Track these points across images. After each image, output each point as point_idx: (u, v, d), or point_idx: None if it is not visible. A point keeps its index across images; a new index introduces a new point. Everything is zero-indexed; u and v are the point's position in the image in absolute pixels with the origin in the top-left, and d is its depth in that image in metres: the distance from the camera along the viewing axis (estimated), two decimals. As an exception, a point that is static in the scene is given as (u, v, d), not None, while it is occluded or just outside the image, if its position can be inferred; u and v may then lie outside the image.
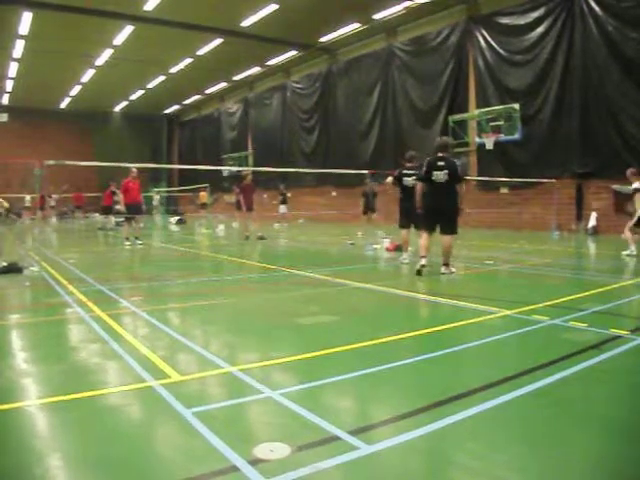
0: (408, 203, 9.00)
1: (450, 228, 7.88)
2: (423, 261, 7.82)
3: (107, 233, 18.81)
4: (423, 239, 7.97)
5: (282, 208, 22.82)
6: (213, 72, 30.03)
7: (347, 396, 3.18)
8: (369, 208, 15.01)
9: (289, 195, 23.63)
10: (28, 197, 29.02)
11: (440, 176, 7.78)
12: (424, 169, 7.99)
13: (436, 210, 7.88)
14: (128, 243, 13.33)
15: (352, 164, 21.97)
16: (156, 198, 34.28)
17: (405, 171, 9.15)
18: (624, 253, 10.05)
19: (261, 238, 14.74)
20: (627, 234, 10.20)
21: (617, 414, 2.87)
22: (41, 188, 25.22)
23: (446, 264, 7.88)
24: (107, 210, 20.45)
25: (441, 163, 7.84)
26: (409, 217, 9.12)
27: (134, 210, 13.62)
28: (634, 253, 9.86)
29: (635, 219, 10.05)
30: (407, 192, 9.02)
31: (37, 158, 9.67)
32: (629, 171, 10.59)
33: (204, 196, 27.23)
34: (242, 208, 14.87)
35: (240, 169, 29.60)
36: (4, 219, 24.19)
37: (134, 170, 13.54)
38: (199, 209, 28.51)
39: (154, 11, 20.37)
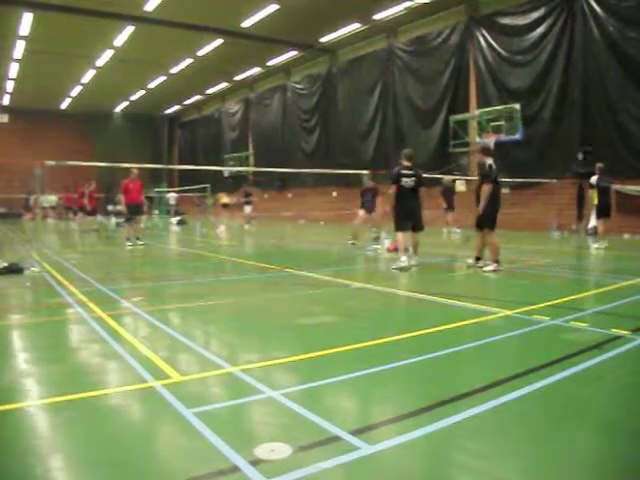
0: (408, 204, 8.76)
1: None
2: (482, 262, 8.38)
3: (102, 234, 18.82)
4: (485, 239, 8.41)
5: (247, 209, 22.95)
6: (214, 72, 30.03)
7: (348, 396, 3.18)
8: None
9: (264, 196, 23.78)
10: (53, 197, 28.82)
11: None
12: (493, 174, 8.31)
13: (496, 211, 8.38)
14: (129, 244, 13.33)
15: (353, 164, 21.97)
16: (173, 197, 34.09)
17: (404, 171, 8.77)
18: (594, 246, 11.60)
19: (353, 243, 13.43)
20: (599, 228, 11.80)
21: (618, 414, 2.87)
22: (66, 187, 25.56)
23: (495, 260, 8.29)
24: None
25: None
26: (410, 219, 8.88)
27: (134, 211, 13.61)
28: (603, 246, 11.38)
29: (595, 212, 11.76)
30: (406, 193, 8.73)
31: (38, 159, 9.65)
32: (598, 165, 11.84)
33: (223, 197, 26.90)
34: (370, 211, 13.64)
35: (240, 169, 29.64)
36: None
37: (134, 171, 13.53)
38: (221, 210, 28.29)
39: (154, 11, 20.37)
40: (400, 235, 8.87)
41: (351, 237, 13.55)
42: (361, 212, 13.62)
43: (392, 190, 8.85)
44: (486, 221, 8.29)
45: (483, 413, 2.77)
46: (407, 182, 8.72)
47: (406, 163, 8.88)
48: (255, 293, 6.95)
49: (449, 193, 17.04)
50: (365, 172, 14.65)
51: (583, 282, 7.93)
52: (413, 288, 6.83)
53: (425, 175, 9.11)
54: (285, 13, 20.38)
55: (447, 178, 17.33)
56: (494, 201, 8.28)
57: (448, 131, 20.25)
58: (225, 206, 26.33)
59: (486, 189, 8.18)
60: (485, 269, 8.20)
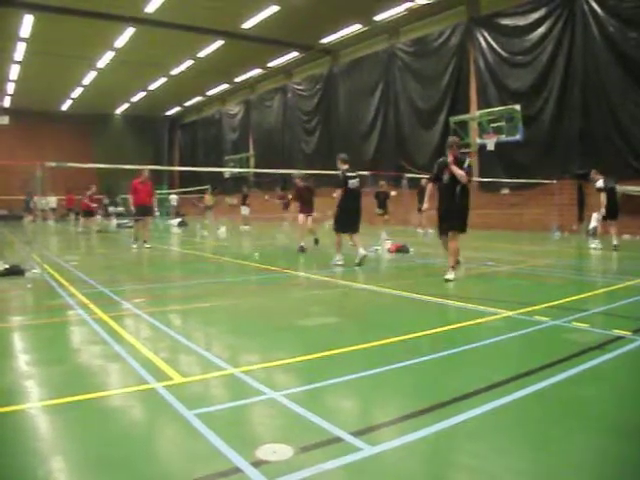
0: (355, 205, 9.05)
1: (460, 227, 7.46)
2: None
3: (102, 235, 18.85)
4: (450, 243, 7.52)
5: (243, 209, 22.96)
6: (214, 74, 30.06)
7: (350, 397, 3.18)
8: None
9: (265, 197, 23.87)
10: (52, 199, 28.70)
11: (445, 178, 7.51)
12: (434, 171, 7.71)
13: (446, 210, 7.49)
14: (135, 245, 13.26)
15: (353, 165, 21.97)
16: (174, 198, 34.03)
17: (349, 173, 9.08)
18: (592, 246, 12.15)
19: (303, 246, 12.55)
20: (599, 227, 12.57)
21: (619, 414, 2.86)
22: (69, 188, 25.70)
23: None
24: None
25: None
26: (355, 220, 9.06)
27: (142, 212, 13.51)
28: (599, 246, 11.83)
29: (602, 213, 11.77)
30: (354, 194, 9.06)
31: (38, 160, 9.65)
32: (593, 172, 12.24)
33: (209, 199, 26.91)
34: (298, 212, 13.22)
35: (240, 170, 29.60)
36: None
37: (145, 173, 13.38)
38: (203, 211, 28.33)
39: (155, 13, 20.40)
40: (340, 236, 9.19)
41: (303, 242, 12.28)
42: (301, 216, 12.79)
43: (338, 193, 9.03)
44: (460, 222, 7.46)
45: (485, 414, 2.77)
46: (353, 183, 9.06)
47: (346, 166, 9.18)
48: (256, 294, 6.95)
49: (424, 194, 16.80)
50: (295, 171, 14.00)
51: (584, 283, 7.91)
52: (413, 289, 6.82)
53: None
54: (286, 14, 20.40)
55: (424, 178, 17.17)
56: (467, 198, 7.54)
57: (449, 132, 20.23)
58: (208, 208, 26.33)
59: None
60: (446, 277, 7.28)
